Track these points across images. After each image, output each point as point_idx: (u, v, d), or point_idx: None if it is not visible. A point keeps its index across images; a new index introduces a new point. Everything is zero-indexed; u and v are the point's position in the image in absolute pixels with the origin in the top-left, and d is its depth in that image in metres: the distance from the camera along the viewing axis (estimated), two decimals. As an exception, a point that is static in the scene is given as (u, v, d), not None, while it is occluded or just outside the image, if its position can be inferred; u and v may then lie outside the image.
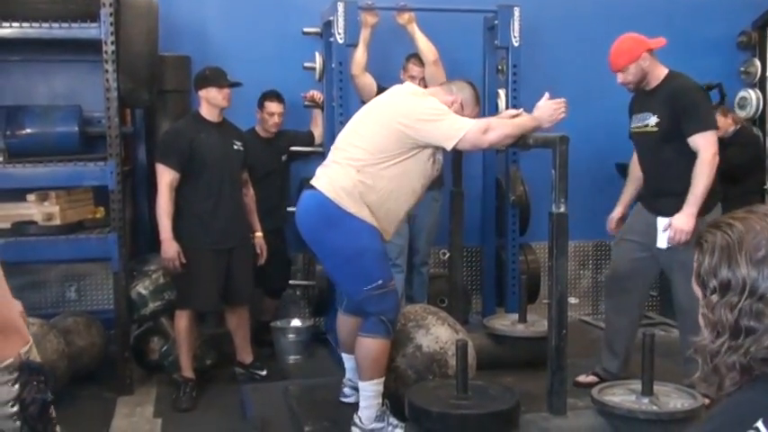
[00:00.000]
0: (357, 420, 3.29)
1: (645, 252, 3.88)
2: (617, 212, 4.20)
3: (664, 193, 3.81)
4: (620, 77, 3.81)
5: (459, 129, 3.18)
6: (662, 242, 3.73)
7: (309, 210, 3.33)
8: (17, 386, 1.67)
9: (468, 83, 3.56)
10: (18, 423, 1.69)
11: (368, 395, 3.28)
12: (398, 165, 3.23)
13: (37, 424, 1.70)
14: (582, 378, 4.04)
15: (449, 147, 3.22)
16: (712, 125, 3.75)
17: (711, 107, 4.19)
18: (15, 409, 1.67)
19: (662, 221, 3.75)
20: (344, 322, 3.63)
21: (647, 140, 3.83)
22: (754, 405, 1.25)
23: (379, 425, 3.26)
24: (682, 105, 3.68)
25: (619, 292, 4.04)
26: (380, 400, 3.30)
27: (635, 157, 4.09)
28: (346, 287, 3.49)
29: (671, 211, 3.71)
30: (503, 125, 3.26)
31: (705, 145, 3.62)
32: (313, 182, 3.33)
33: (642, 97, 3.87)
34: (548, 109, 3.34)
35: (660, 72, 3.80)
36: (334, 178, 3.26)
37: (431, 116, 3.22)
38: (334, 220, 3.21)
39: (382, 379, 3.28)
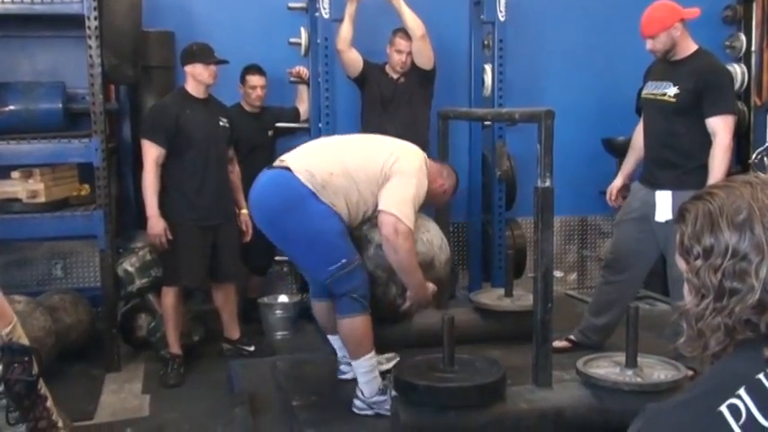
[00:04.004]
0: (359, 393, 3.31)
1: (646, 232, 3.85)
2: (618, 182, 4.20)
3: (666, 164, 3.80)
4: (648, 44, 3.75)
5: (405, 210, 3.23)
6: (660, 216, 3.74)
7: (270, 189, 3.33)
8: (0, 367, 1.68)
9: (455, 172, 3.78)
10: (4, 401, 1.70)
11: (363, 371, 3.29)
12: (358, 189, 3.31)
13: (24, 401, 1.72)
14: (556, 343, 4.05)
15: (381, 207, 3.27)
16: (733, 110, 3.75)
17: (734, 92, 4.17)
18: (0, 388, 1.69)
19: (661, 195, 3.75)
20: (318, 307, 3.65)
21: (660, 109, 3.80)
22: (737, 373, 1.26)
23: (382, 398, 3.27)
24: (708, 84, 3.65)
25: (618, 269, 4.03)
26: (377, 374, 3.32)
27: (639, 127, 4.07)
28: (310, 270, 3.50)
29: (671, 183, 3.72)
30: (412, 256, 3.28)
31: (724, 129, 3.62)
32: (280, 163, 3.35)
33: (664, 66, 3.83)
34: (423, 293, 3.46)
35: (689, 45, 3.75)
36: (308, 163, 3.29)
37: (404, 185, 3.29)
38: (296, 201, 3.22)
39: (373, 352, 3.29)
